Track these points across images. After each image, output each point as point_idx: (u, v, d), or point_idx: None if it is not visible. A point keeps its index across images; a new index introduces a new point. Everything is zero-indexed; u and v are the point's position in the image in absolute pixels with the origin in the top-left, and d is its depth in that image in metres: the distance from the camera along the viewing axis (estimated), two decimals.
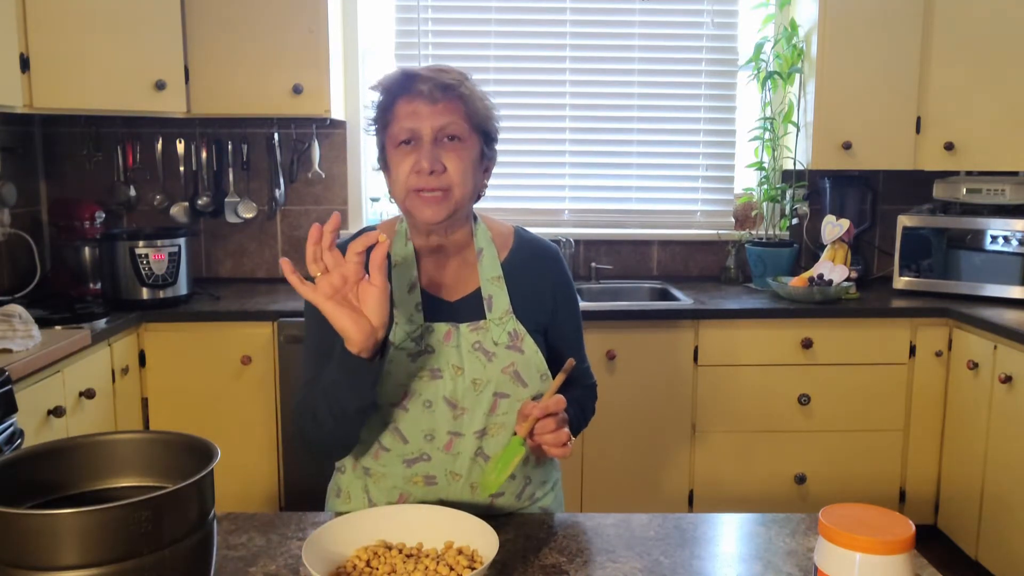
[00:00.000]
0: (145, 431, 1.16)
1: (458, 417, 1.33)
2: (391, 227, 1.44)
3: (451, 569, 1.07)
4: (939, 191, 3.23)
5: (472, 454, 1.34)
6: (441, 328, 1.33)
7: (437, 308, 1.36)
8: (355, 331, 1.11)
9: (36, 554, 0.87)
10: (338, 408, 1.21)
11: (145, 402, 2.85)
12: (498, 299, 1.37)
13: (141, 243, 2.83)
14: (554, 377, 1.35)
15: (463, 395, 1.32)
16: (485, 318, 1.36)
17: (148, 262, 2.83)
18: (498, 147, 1.40)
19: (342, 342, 1.14)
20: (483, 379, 1.32)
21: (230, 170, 3.38)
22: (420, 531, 1.14)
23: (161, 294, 2.87)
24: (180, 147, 3.36)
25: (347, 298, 1.11)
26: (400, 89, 1.27)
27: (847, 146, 3.17)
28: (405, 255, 1.38)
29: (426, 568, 1.08)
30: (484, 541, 1.11)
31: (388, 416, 1.32)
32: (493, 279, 1.38)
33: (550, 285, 1.43)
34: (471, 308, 1.37)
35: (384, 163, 1.34)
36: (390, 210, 3.52)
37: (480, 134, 1.31)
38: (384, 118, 1.30)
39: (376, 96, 1.32)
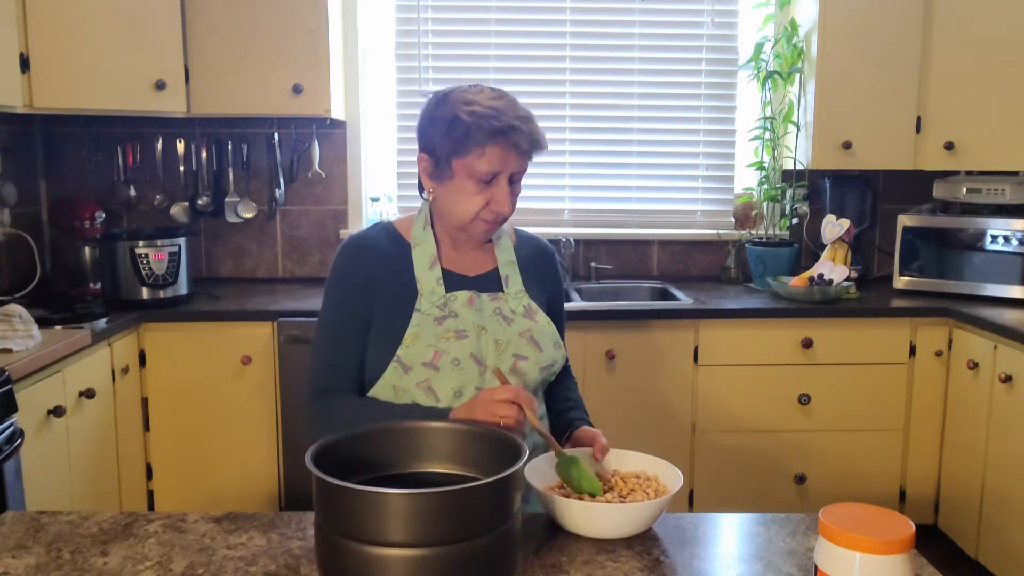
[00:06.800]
0: (455, 422, 1.27)
1: (483, 374, 1.44)
2: (410, 222, 1.54)
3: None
4: (939, 191, 3.23)
5: None
6: (463, 295, 1.47)
7: (458, 282, 1.49)
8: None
9: (367, 528, 0.92)
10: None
11: (145, 402, 2.85)
12: (513, 278, 1.53)
13: (141, 243, 2.83)
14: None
15: (487, 353, 1.44)
16: (503, 291, 1.51)
17: (148, 262, 2.83)
18: None
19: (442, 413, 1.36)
20: (504, 340, 1.46)
21: (230, 170, 3.38)
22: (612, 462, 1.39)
23: (161, 294, 2.87)
24: (180, 147, 3.36)
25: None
26: (501, 136, 1.36)
27: (847, 146, 3.17)
28: (425, 236, 1.50)
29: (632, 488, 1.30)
30: (671, 474, 1.32)
31: (421, 376, 1.42)
32: (509, 262, 1.54)
33: (550, 275, 1.62)
34: (489, 283, 1.52)
35: (444, 175, 1.42)
36: (390, 210, 3.52)
37: None
38: (467, 147, 1.37)
39: (451, 110, 1.38)
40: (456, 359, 1.42)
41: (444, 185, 1.43)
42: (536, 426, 1.30)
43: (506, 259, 1.54)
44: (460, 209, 1.42)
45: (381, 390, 1.46)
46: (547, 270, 1.60)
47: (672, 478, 1.31)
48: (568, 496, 1.28)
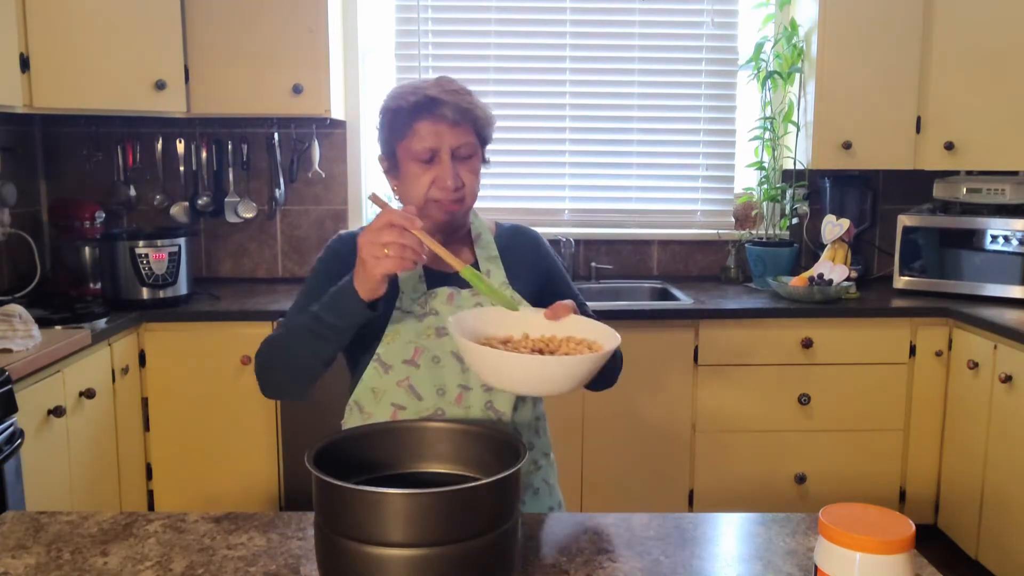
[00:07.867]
0: (455, 421, 1.26)
1: (465, 371, 1.42)
2: None
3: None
4: (939, 191, 3.23)
5: (482, 407, 1.43)
6: (444, 292, 1.45)
7: (438, 279, 1.47)
8: (381, 285, 1.24)
9: (367, 528, 0.92)
10: (316, 325, 1.31)
11: (145, 402, 2.85)
12: (495, 272, 1.51)
13: (141, 243, 2.83)
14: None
15: None
16: None
17: (148, 262, 2.83)
18: (499, 147, 1.48)
19: (347, 283, 1.27)
20: None
21: (230, 170, 3.38)
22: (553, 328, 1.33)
23: (161, 294, 2.87)
24: (180, 147, 3.36)
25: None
26: (423, 110, 1.37)
27: (847, 146, 3.17)
28: None
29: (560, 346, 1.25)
30: (606, 335, 1.27)
31: (402, 374, 1.42)
32: (490, 257, 1.53)
33: (539, 257, 1.58)
34: None
35: (395, 168, 1.46)
36: None
37: (481, 144, 1.46)
38: (400, 131, 1.41)
39: (385, 103, 1.43)
40: (436, 356, 1.42)
41: (398, 179, 1.46)
42: (426, 241, 1.22)
43: (487, 255, 1.53)
44: (413, 193, 1.42)
45: (361, 393, 1.44)
46: (534, 254, 1.58)
47: (609, 340, 1.24)
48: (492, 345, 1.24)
